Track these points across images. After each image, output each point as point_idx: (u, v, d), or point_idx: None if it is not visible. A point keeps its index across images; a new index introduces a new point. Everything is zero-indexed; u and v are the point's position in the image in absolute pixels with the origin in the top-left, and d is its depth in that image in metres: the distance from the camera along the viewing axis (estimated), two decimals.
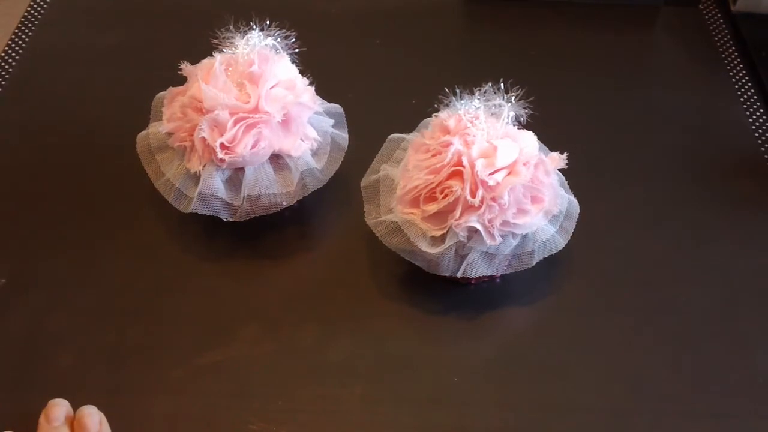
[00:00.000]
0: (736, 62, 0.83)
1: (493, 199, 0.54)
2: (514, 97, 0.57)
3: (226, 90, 0.58)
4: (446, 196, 0.55)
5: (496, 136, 0.56)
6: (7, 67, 0.79)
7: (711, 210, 0.69)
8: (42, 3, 0.87)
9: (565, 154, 0.59)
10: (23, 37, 0.83)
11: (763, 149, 0.74)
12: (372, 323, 0.61)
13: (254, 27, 0.61)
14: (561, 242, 0.59)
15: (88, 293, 0.62)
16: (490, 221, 0.55)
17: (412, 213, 0.57)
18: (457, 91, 0.57)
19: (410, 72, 0.81)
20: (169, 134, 0.61)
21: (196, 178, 0.60)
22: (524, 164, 0.56)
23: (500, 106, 0.57)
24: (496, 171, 0.55)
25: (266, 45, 0.61)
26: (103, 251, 0.65)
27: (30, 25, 0.84)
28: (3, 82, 0.78)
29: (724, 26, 0.87)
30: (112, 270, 0.64)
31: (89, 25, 0.85)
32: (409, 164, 0.58)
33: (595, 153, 0.73)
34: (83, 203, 0.68)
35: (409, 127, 0.63)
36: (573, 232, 0.59)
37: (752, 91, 0.79)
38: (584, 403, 0.57)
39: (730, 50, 0.84)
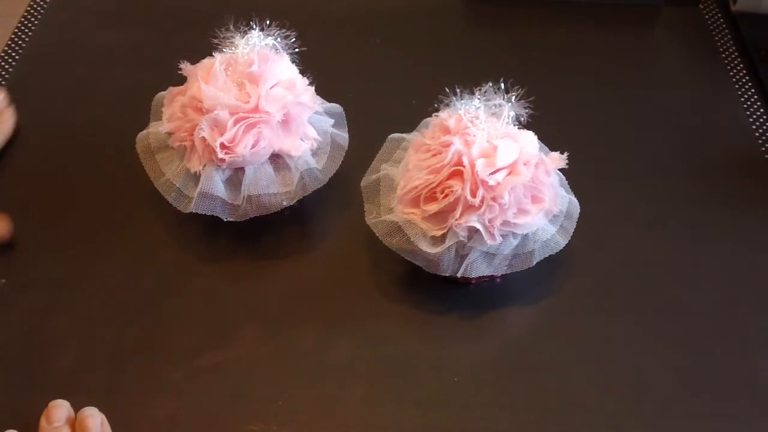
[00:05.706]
0: (736, 62, 0.82)
1: (494, 198, 0.54)
2: (514, 97, 0.57)
3: (226, 90, 0.58)
4: (446, 195, 0.55)
5: (497, 136, 0.56)
6: (7, 67, 0.79)
7: (711, 210, 0.69)
8: (42, 3, 0.87)
9: (566, 153, 0.60)
10: (23, 37, 0.83)
11: (763, 149, 0.74)
12: (372, 323, 0.61)
13: (254, 27, 0.61)
14: (561, 242, 0.59)
15: (88, 293, 0.62)
16: (490, 221, 0.55)
17: (413, 213, 0.57)
18: (457, 90, 0.57)
19: (410, 72, 0.81)
20: (169, 134, 0.61)
21: (196, 178, 0.60)
22: (525, 164, 0.56)
23: (500, 105, 0.57)
24: (497, 171, 0.55)
25: (266, 45, 0.61)
26: (103, 251, 0.65)
27: (30, 25, 0.84)
28: (3, 82, 0.78)
29: (724, 26, 0.86)
30: (112, 270, 0.64)
31: (89, 25, 0.85)
32: (409, 164, 0.58)
33: (595, 153, 0.73)
34: (83, 203, 0.68)
35: (409, 127, 0.63)
36: (573, 232, 0.59)
37: (752, 91, 0.79)
38: (584, 403, 0.57)
39: (730, 50, 0.84)
